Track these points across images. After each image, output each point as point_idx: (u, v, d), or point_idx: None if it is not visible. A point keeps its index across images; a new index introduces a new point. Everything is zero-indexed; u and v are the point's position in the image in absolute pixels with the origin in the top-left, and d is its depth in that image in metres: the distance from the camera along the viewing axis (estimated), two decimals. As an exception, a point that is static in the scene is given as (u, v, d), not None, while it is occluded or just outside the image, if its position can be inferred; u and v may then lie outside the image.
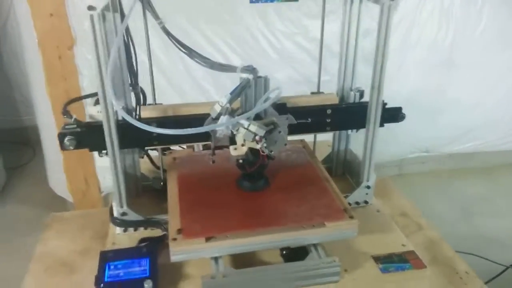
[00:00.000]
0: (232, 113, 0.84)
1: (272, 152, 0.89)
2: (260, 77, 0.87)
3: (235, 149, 0.90)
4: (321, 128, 1.04)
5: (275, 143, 0.89)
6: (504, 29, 2.20)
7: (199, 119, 0.85)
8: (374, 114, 0.97)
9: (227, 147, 0.91)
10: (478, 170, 2.59)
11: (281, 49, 1.97)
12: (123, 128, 0.91)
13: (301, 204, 0.90)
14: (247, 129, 0.84)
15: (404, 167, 2.57)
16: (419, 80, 2.21)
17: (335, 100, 1.06)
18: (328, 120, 1.03)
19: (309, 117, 1.01)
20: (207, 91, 1.91)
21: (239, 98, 0.85)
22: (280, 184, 0.97)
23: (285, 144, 0.90)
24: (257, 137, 0.85)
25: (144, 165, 1.21)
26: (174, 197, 0.92)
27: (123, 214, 0.96)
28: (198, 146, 1.11)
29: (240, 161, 0.92)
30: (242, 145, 0.89)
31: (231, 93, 0.84)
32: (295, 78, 2.03)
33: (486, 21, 2.15)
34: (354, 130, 1.09)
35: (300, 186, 0.96)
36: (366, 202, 1.06)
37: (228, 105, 0.83)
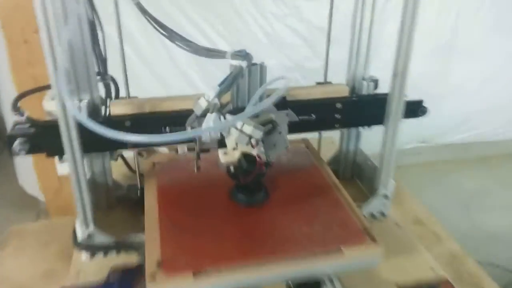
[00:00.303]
0: (221, 109, 0.67)
1: (271, 158, 0.71)
2: (254, 64, 0.70)
3: (225, 153, 0.73)
4: (329, 125, 0.88)
5: (274, 147, 0.72)
6: (509, 12, 2.05)
7: (183, 116, 0.71)
8: (396, 107, 0.80)
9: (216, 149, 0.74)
10: (476, 161, 2.49)
11: (271, 32, 1.79)
12: (87, 128, 0.72)
13: (310, 222, 0.73)
14: (240, 130, 0.67)
15: (400, 158, 2.44)
16: (417, 67, 2.06)
17: (345, 92, 0.89)
18: (338, 116, 0.87)
19: (314, 113, 0.84)
20: (193, 81, 1.73)
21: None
22: (282, 195, 0.80)
23: (286, 147, 0.73)
24: (252, 141, 0.68)
25: (118, 168, 1.04)
26: (153, 216, 0.74)
27: (90, 236, 0.78)
28: (183, 147, 0.93)
29: (232, 168, 0.74)
30: (234, 149, 0.72)
31: (220, 85, 0.67)
32: (287, 64, 1.87)
33: (489, 3, 2.00)
34: (366, 127, 0.92)
35: (307, 198, 0.79)
36: (382, 214, 0.89)
37: (216, 99, 0.66)
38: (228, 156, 0.72)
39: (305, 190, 0.81)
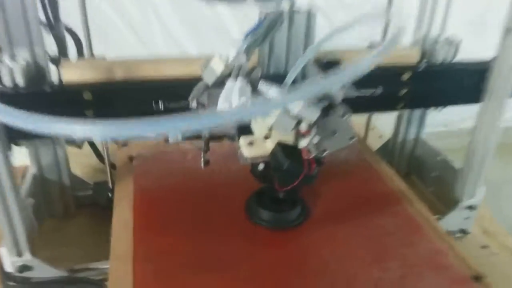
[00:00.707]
0: (249, 75, 0.40)
1: (326, 153, 0.44)
2: (297, 11, 0.46)
3: (251, 144, 0.44)
4: (391, 104, 0.61)
5: (333, 136, 0.44)
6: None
7: (178, 87, 0.49)
8: (506, 79, 0.52)
9: (232, 138, 0.47)
10: (502, 148, 2.24)
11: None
12: (17, 102, 0.44)
13: (379, 261, 0.45)
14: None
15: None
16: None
17: (414, 57, 0.62)
18: (403, 91, 0.59)
19: (373, 86, 0.57)
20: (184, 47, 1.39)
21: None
22: (329, 213, 0.52)
23: (352, 138, 0.45)
24: (302, 126, 0.40)
25: (85, 159, 0.76)
26: (124, 239, 0.47)
27: (24, 268, 0.49)
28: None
29: (261, 167, 0.46)
30: (266, 137, 0.44)
31: (247, 36, 0.42)
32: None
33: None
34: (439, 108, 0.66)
35: (368, 218, 0.52)
36: (463, 231, 0.62)
37: (244, 57, 0.38)
38: (257, 149, 0.44)
39: (363, 205, 0.54)
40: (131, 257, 0.45)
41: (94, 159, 0.74)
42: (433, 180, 0.68)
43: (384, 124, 0.89)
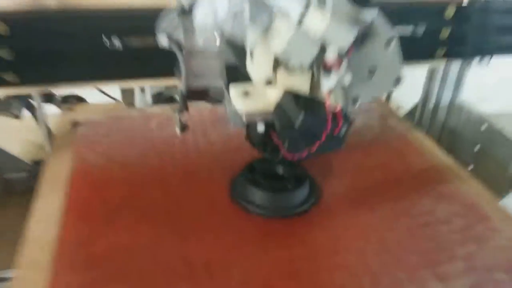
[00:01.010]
0: None
1: (359, 103, 0.28)
2: None
3: (246, 94, 0.29)
4: (429, 50, 0.47)
5: (371, 76, 0.28)
6: None
7: (139, 18, 0.38)
8: None
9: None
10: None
11: None
12: None
13: (432, 262, 0.31)
14: (299, 23, 0.23)
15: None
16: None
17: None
18: (446, 33, 0.45)
19: (417, 23, 0.42)
20: None
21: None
22: (350, 195, 0.38)
23: (398, 80, 0.29)
24: (329, 56, 0.24)
25: (27, 134, 0.60)
26: (42, 240, 0.32)
27: None
28: (143, 93, 0.47)
29: (260, 129, 0.30)
30: (268, 81, 0.28)
31: None
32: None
33: None
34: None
35: (409, 201, 0.37)
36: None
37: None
38: (255, 100, 0.29)
39: (399, 185, 0.39)
40: (50, 264, 0.29)
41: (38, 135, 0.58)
42: (475, 154, 0.53)
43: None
